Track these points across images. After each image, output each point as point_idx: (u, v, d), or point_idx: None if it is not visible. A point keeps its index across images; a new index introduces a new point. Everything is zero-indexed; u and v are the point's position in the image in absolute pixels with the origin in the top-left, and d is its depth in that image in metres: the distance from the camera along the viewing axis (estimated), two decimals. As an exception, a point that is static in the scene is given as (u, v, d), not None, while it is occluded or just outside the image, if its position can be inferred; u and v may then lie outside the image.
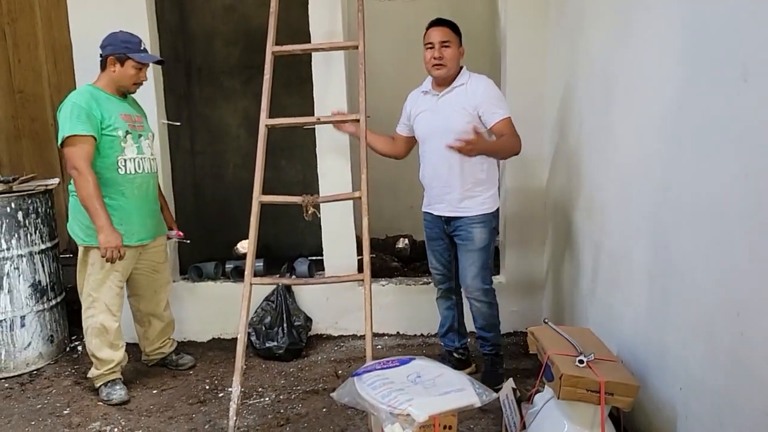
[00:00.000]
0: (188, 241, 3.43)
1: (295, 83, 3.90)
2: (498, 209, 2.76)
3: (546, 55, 3.15)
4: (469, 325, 2.93)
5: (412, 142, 2.91)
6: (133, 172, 2.72)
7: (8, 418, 2.67)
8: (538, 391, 2.30)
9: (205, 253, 3.79)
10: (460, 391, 2.02)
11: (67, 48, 3.65)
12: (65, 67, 4.22)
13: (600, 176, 2.49)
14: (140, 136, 2.76)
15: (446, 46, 2.60)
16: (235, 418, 2.43)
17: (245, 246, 3.85)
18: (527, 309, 3.39)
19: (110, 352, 2.78)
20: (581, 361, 2.06)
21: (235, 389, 2.58)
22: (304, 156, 3.97)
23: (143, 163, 2.76)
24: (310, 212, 2.76)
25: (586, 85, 2.63)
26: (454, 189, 2.66)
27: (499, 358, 2.85)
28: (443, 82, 2.66)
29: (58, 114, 2.61)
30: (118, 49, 2.66)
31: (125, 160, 2.69)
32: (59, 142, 2.58)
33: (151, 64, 2.89)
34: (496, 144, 2.58)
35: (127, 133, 2.69)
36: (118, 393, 2.77)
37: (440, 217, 2.74)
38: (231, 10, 4.10)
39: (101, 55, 2.70)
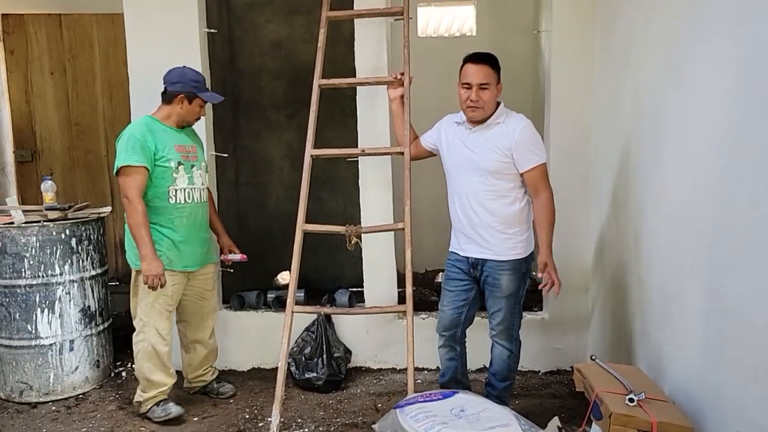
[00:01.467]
0: (231, 270, 3.49)
1: (339, 117, 3.99)
2: (531, 253, 2.61)
3: (591, 91, 3.15)
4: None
5: (425, 154, 2.81)
6: (182, 202, 2.79)
7: (54, 440, 2.73)
8: (584, 431, 2.23)
9: (247, 282, 3.84)
10: (505, 426, 1.99)
11: (122, 83, 3.84)
12: (120, 102, 4.41)
13: (649, 212, 2.45)
14: (192, 166, 2.84)
15: (485, 89, 2.43)
16: (275, 448, 2.42)
17: (285, 277, 3.89)
18: (571, 346, 3.31)
19: (162, 376, 2.83)
20: (631, 400, 2.00)
21: (275, 419, 2.58)
22: (346, 188, 4.03)
23: (193, 193, 2.84)
24: (353, 242, 2.79)
25: (634, 121, 2.61)
26: (483, 228, 2.52)
27: None
28: (483, 120, 2.53)
29: (117, 144, 2.72)
30: (188, 87, 2.77)
31: (176, 190, 2.77)
32: (114, 171, 2.69)
33: None
34: (550, 230, 2.53)
35: (180, 164, 2.77)
36: (175, 408, 2.83)
37: (467, 258, 2.60)
38: (278, 47, 4.24)
39: (166, 90, 2.79)
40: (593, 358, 2.43)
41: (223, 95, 3.86)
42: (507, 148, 2.45)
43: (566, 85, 3.17)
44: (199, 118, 2.88)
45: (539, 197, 2.50)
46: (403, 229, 2.75)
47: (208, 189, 3.00)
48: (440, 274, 4.45)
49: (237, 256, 3.11)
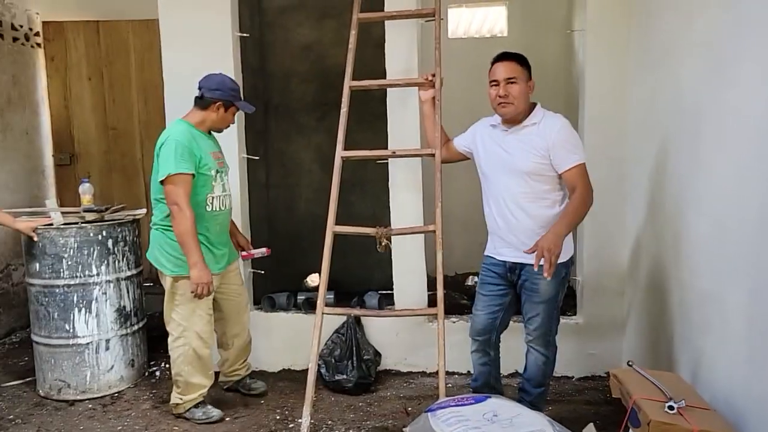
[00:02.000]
0: (263, 271, 3.51)
1: (368, 120, 3.97)
2: (571, 257, 2.54)
3: (627, 90, 3.08)
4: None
5: (458, 157, 2.79)
6: (217, 209, 2.83)
7: (90, 438, 2.78)
8: (621, 438, 2.18)
9: (277, 284, 3.86)
10: (539, 432, 1.94)
11: (156, 87, 3.90)
12: (154, 106, 4.49)
13: (689, 213, 2.38)
14: (223, 173, 2.88)
15: (512, 83, 2.41)
16: (305, 449, 2.42)
17: (314, 279, 3.89)
18: (606, 352, 3.23)
19: (202, 378, 2.87)
20: (671, 407, 1.94)
21: (305, 420, 2.58)
22: (375, 192, 4.01)
23: (225, 200, 2.88)
24: (383, 244, 2.78)
25: (673, 120, 2.55)
26: (522, 232, 2.46)
27: None
28: (513, 119, 2.46)
29: (159, 150, 2.69)
30: (226, 95, 2.78)
31: (213, 198, 2.80)
32: (161, 178, 2.65)
33: None
34: (571, 219, 2.34)
35: (217, 171, 2.81)
36: (216, 411, 2.90)
37: (504, 263, 2.54)
38: (308, 50, 4.25)
39: (202, 95, 2.78)
40: (630, 363, 2.37)
41: (253, 98, 3.91)
42: (544, 149, 2.40)
43: (601, 84, 3.11)
44: (228, 126, 2.91)
45: (575, 192, 2.38)
46: (434, 231, 2.73)
47: None
48: (470, 277, 4.43)
49: (262, 250, 3.14)
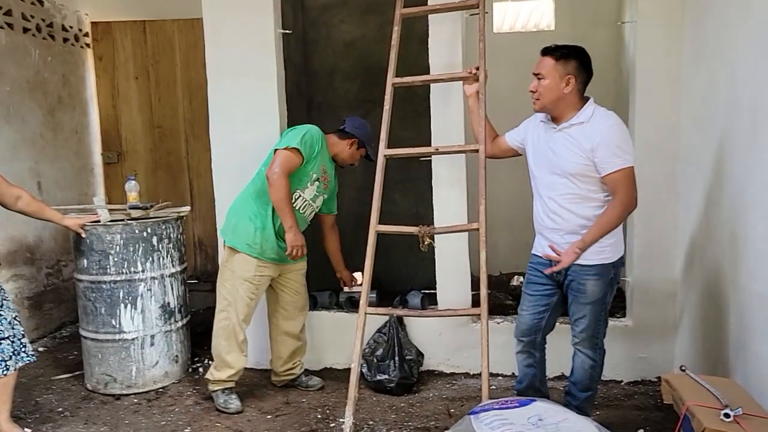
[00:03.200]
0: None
1: (411, 117, 3.94)
2: (621, 258, 2.43)
3: (680, 83, 2.96)
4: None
5: (509, 153, 2.71)
6: (298, 208, 2.95)
7: None
8: (675, 447, 2.09)
9: (319, 282, 3.86)
10: (588, 439, 1.87)
11: (201, 86, 3.95)
12: (198, 105, 4.56)
13: (748, 213, 2.26)
14: (321, 191, 3.03)
15: (540, 78, 2.37)
16: (347, 449, 2.40)
17: (357, 278, 3.89)
18: (657, 356, 3.11)
19: (236, 356, 2.97)
20: (727, 415, 1.86)
21: (348, 420, 2.57)
22: (418, 189, 3.98)
23: (308, 208, 3.02)
24: (426, 243, 2.74)
25: (729, 115, 2.43)
26: (568, 232, 2.39)
27: None
28: (559, 116, 2.38)
29: (289, 130, 2.95)
30: (363, 137, 3.08)
31: (300, 196, 2.95)
32: (280, 146, 2.84)
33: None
34: (602, 231, 2.28)
35: (317, 179, 2.97)
36: (235, 403, 2.97)
37: (551, 262, 2.43)
38: (351, 47, 4.25)
39: (344, 128, 3.08)
40: (683, 368, 2.28)
41: (296, 96, 3.94)
42: (590, 150, 2.28)
43: (653, 77, 3.00)
44: (350, 165, 3.16)
45: (613, 200, 2.30)
46: (478, 229, 2.67)
47: (335, 225, 3.29)
48: (515, 277, 4.34)
49: (357, 280, 3.26)
